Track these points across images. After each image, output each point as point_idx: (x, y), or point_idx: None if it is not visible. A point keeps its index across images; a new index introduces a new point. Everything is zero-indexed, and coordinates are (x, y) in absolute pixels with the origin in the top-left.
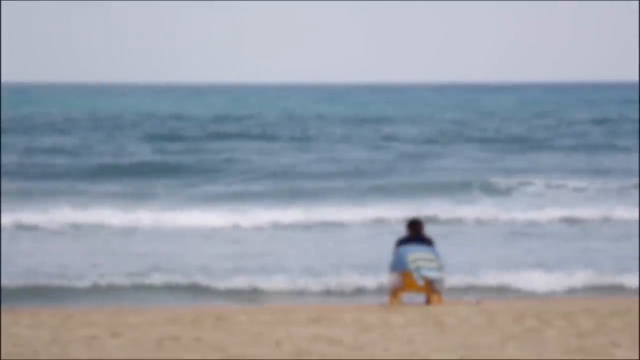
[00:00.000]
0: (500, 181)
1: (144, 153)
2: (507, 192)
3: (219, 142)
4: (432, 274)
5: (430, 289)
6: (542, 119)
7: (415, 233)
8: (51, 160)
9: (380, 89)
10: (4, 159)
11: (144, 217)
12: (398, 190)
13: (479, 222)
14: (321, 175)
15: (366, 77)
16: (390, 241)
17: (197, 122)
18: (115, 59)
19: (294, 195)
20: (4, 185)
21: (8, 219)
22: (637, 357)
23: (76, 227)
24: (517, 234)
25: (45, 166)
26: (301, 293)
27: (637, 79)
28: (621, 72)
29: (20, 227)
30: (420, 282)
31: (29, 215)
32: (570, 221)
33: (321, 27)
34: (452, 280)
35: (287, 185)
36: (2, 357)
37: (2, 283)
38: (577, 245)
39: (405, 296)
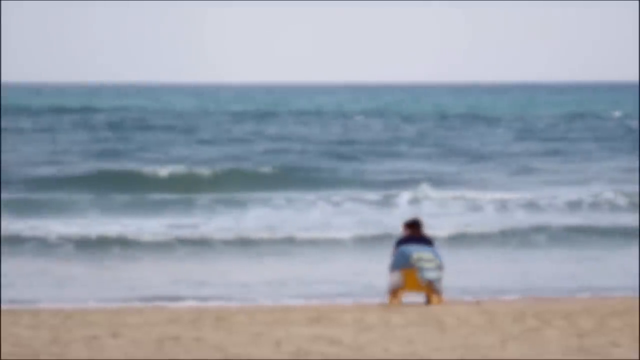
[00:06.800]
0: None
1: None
2: None
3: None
4: (432, 275)
5: (430, 289)
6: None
7: (415, 233)
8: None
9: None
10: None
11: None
12: None
13: None
14: None
15: (364, 78)
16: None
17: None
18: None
19: None
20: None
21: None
22: (637, 357)
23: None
24: None
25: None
26: None
27: (637, 79)
28: (621, 72)
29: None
30: (423, 282)
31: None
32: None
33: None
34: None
35: None
36: (2, 357)
37: None
38: None
39: (405, 296)
